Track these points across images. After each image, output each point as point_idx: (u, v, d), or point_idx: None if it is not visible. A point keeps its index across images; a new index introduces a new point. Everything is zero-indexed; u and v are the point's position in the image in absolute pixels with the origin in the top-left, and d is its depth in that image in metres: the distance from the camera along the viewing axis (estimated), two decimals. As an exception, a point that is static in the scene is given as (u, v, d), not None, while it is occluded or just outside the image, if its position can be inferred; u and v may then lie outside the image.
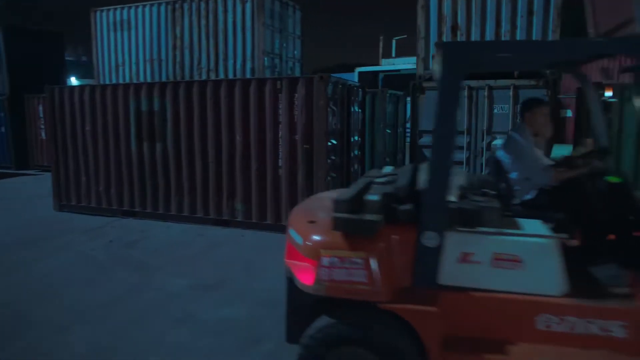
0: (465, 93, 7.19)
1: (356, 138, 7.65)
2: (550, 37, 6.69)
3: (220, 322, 4.01)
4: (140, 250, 6.06)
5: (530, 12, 6.75)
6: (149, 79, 10.93)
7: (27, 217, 7.84)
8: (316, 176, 6.43)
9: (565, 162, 3.41)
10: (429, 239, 2.37)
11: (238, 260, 5.58)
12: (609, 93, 6.23)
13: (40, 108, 12.60)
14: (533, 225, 2.51)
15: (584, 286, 2.41)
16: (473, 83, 7.14)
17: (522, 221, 2.55)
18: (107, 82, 11.42)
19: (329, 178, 6.50)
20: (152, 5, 10.89)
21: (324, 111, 6.31)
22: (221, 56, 10.41)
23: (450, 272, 2.40)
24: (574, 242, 2.95)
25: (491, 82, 7.02)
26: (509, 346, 2.38)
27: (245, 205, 6.87)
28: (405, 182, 2.63)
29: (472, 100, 7.20)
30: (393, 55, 34.12)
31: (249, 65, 10.21)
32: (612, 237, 2.75)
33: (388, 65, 31.03)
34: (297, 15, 11.52)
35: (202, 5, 10.38)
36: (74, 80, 23.07)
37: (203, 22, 10.45)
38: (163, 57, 11.01)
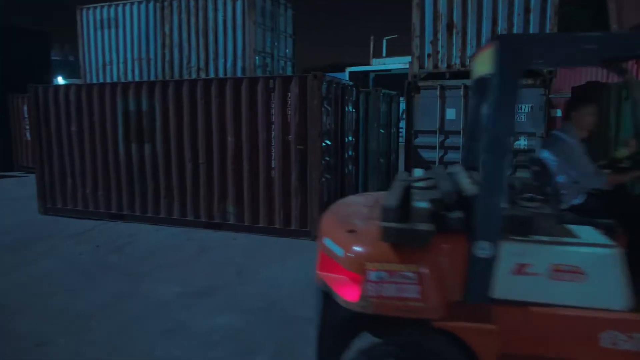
0: (461, 92, 7.07)
1: (350, 138, 7.51)
2: (547, 36, 6.59)
3: (213, 331, 3.83)
4: (128, 255, 5.85)
5: (527, 10, 6.64)
6: (137, 78, 10.69)
7: (10, 221, 7.56)
8: (310, 178, 6.26)
9: (609, 165, 3.26)
10: (482, 249, 2.17)
11: (230, 265, 5.40)
12: None
13: (25, 108, 12.28)
14: (588, 233, 2.33)
15: None
16: (469, 82, 7.01)
17: (575, 228, 2.38)
18: (94, 81, 11.15)
19: (323, 179, 6.34)
20: (140, 2, 10.65)
21: (318, 111, 6.14)
22: (211, 55, 10.21)
23: (504, 285, 2.21)
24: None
25: (488, 81, 6.90)
26: None
27: (237, 207, 6.69)
28: (450, 187, 2.44)
29: (468, 100, 7.06)
30: (384, 55, 34.18)
31: (239, 64, 10.02)
32: None
33: (379, 65, 31.06)
34: (289, 13, 11.35)
35: (192, 2, 10.17)
36: (60, 80, 22.73)
37: (193, 20, 10.24)
38: (152, 55, 10.78)
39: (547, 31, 6.59)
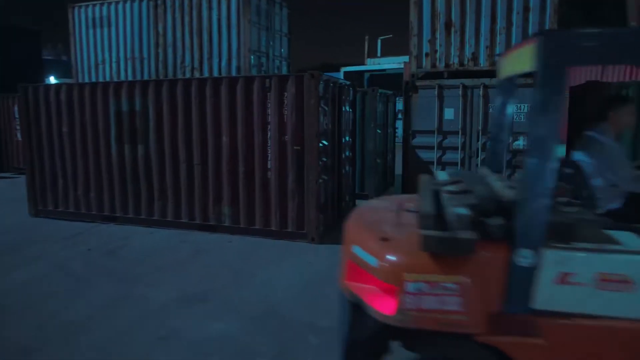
0: (460, 92, 6.98)
1: (347, 139, 7.41)
2: (547, 34, 6.51)
3: (209, 339, 3.70)
4: (121, 258, 5.71)
5: (526, 9, 6.57)
6: (130, 78, 10.52)
7: (-1, 224, 7.41)
8: (307, 179, 6.15)
9: None
10: (524, 257, 2.05)
11: (226, 269, 5.27)
12: None
13: (16, 108, 12.08)
14: (630, 239, 2.20)
15: None
16: (467, 82, 6.94)
17: (616, 234, 2.24)
18: (87, 81, 10.98)
19: (320, 181, 6.22)
20: (132, 1, 10.49)
21: (315, 111, 6.03)
22: (206, 54, 10.07)
23: (546, 295, 2.09)
24: None
25: (486, 81, 6.83)
26: None
27: (232, 209, 6.56)
28: (486, 192, 2.31)
29: (467, 100, 6.99)
30: (378, 54, 34.20)
31: (234, 63, 9.89)
32: None
33: (373, 65, 31.07)
34: (284, 12, 11.22)
35: (186, 1, 10.02)
36: (53, 80, 22.46)
37: (187, 18, 10.10)
38: (145, 55, 10.62)
39: (547, 30, 6.51)
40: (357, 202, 8.20)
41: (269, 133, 6.29)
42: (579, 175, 3.05)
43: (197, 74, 10.01)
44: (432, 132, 7.21)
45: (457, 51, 7.00)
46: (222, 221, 6.63)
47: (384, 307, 2.14)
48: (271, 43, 10.75)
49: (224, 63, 9.94)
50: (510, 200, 2.13)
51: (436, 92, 7.12)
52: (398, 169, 10.27)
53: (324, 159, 6.40)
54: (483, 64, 6.89)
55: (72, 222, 7.30)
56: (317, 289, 4.69)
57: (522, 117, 6.68)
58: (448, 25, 7.01)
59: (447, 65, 7.10)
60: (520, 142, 6.72)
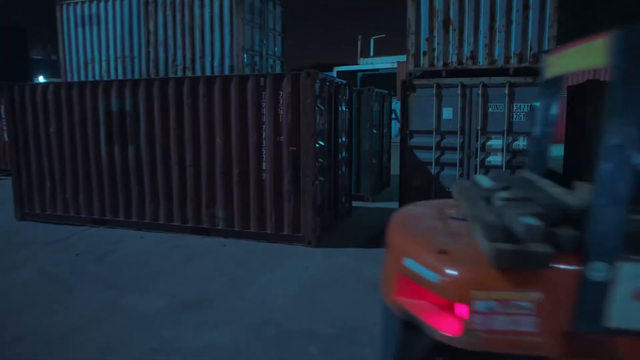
0: (458, 91, 6.84)
1: (343, 139, 7.25)
2: (547, 33, 6.39)
3: (203, 350, 3.53)
4: (111, 264, 5.50)
5: (526, 6, 6.42)
6: (120, 77, 10.27)
7: (-16, 228, 7.16)
8: (303, 180, 5.98)
9: None
10: (598, 271, 1.89)
11: (220, 274, 5.09)
12: None
13: (2, 108, 11.78)
14: None
15: None
16: (466, 81, 6.80)
17: None
18: (76, 80, 10.71)
19: (317, 182, 6.05)
20: (123, -2, 10.23)
21: (312, 110, 5.86)
22: (198, 53, 9.83)
23: (623, 312, 1.91)
24: None
25: (485, 80, 6.69)
26: None
27: (226, 212, 6.37)
28: (549, 199, 2.13)
29: (466, 99, 6.84)
30: (371, 54, 34.15)
31: (227, 62, 9.66)
32: None
33: (366, 64, 31.03)
34: (278, 10, 11.02)
35: (177, -2, 9.79)
36: (42, 80, 22.12)
37: (178, 16, 9.85)
38: (135, 53, 10.35)
39: (547, 28, 6.39)
40: (353, 203, 8.05)
41: (264, 133, 6.12)
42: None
43: (189, 73, 9.77)
44: (430, 132, 7.06)
45: (455, 49, 6.85)
46: (216, 224, 6.44)
47: (445, 326, 1.96)
48: (265, 42, 10.54)
49: (216, 62, 9.71)
50: (581, 208, 1.95)
51: (434, 92, 6.96)
52: (394, 170, 10.15)
53: (321, 160, 6.23)
54: (482, 62, 6.74)
55: (60, 226, 7.08)
56: (315, 295, 4.53)
57: (522, 116, 6.55)
58: (446, 23, 6.85)
59: (445, 64, 6.94)
60: (521, 143, 6.59)
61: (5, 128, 11.75)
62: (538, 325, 1.88)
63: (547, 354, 1.91)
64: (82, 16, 10.80)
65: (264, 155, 6.14)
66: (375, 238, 6.56)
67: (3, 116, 11.80)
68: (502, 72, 6.65)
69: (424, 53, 7.05)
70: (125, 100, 6.73)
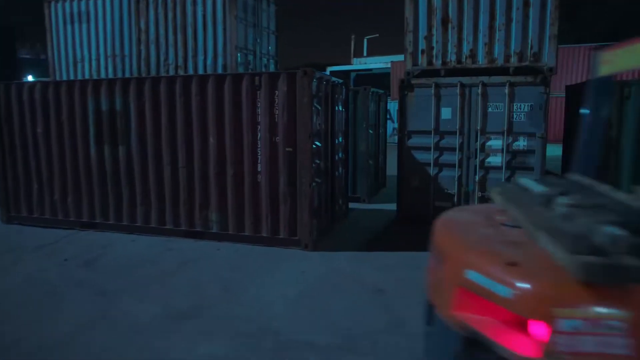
0: (457, 91, 6.71)
1: (340, 140, 7.09)
2: (548, 31, 6.28)
3: (197, 362, 3.35)
4: (101, 270, 5.29)
5: (526, 4, 6.31)
6: (111, 76, 10.05)
7: (-31, 231, 6.92)
8: (300, 182, 5.81)
9: None
10: None
11: (215, 280, 4.91)
12: None
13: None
14: None
15: None
16: (465, 80, 6.68)
17: None
18: (65, 79, 10.46)
19: (313, 184, 5.89)
20: (113, -5, 10.00)
21: (308, 110, 5.70)
22: (190, 52, 9.63)
23: None
24: None
25: (485, 79, 6.57)
26: None
27: (220, 215, 6.19)
28: (623, 206, 1.96)
29: (465, 99, 6.72)
30: (365, 54, 34.08)
31: (220, 61, 9.47)
32: None
33: (360, 64, 30.96)
34: (272, 9, 10.85)
35: (169, -4, 9.58)
36: (30, 79, 21.77)
37: (170, 14, 9.65)
38: (126, 52, 10.13)
39: (548, 26, 6.27)
40: (349, 205, 7.90)
41: (259, 134, 5.94)
42: None
43: (181, 72, 9.57)
44: (429, 132, 6.93)
45: (454, 48, 6.73)
46: (210, 227, 6.26)
47: (520, 346, 1.78)
48: (258, 40, 10.37)
49: (209, 61, 9.52)
50: None
51: (433, 91, 6.84)
52: (389, 170, 10.02)
53: (317, 161, 6.07)
54: (482, 61, 6.62)
55: (48, 229, 6.86)
56: (314, 301, 4.38)
57: (523, 116, 6.44)
58: (445, 21, 6.73)
59: (444, 62, 6.82)
60: (521, 143, 6.47)
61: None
62: (630, 347, 1.69)
63: None
64: (71, 13, 10.56)
65: (259, 157, 5.97)
66: (373, 241, 6.42)
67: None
68: (502, 71, 6.54)
69: (422, 52, 6.92)
70: (116, 99, 6.53)
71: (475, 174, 6.79)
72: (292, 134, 5.80)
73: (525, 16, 6.36)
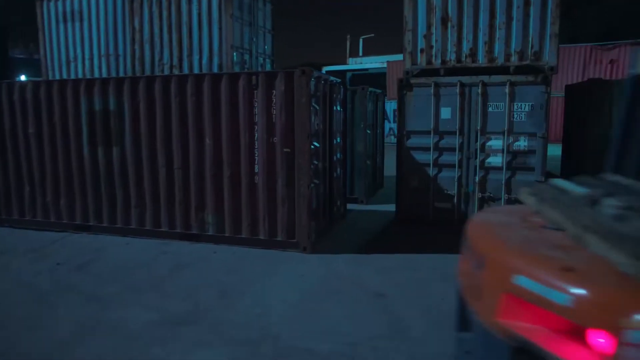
0: (457, 90, 6.63)
1: (338, 140, 6.99)
2: (548, 30, 6.21)
3: (194, 371, 3.23)
4: (94, 274, 5.16)
5: (527, 2, 6.24)
6: (104, 76, 9.90)
7: (-41, 235, 6.75)
8: (298, 183, 5.71)
9: None
10: None
11: (211, 284, 4.79)
12: None
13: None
14: None
15: None
16: (465, 79, 6.59)
17: None
18: (57, 79, 10.30)
19: (312, 185, 5.78)
20: (106, -7, 9.86)
21: (306, 110, 5.59)
22: (185, 51, 9.51)
23: None
24: None
25: (485, 78, 6.49)
26: None
27: (216, 217, 6.07)
28: None
29: (465, 98, 6.64)
30: (360, 54, 34.01)
31: (216, 60, 9.35)
32: None
33: (355, 64, 30.88)
34: (268, 7, 10.73)
35: (164, -6, 9.45)
36: (23, 79, 21.52)
37: (165, 13, 9.51)
38: (120, 51, 9.99)
39: (548, 25, 6.19)
40: (347, 206, 7.81)
41: (256, 134, 5.83)
42: None
43: (176, 72, 9.44)
44: (428, 132, 6.84)
45: (454, 47, 6.65)
46: (206, 230, 6.14)
47: (579, 357, 1.68)
48: (254, 39, 10.24)
49: (204, 60, 9.40)
50: None
51: (432, 91, 6.76)
52: (387, 171, 9.93)
53: (316, 162, 5.97)
54: (482, 60, 6.54)
55: (40, 232, 6.71)
56: (313, 306, 4.27)
57: (523, 116, 6.36)
58: (444, 20, 6.64)
59: (443, 61, 6.73)
60: (522, 143, 6.40)
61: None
62: None
63: None
64: (64, 12, 10.40)
65: (257, 157, 5.85)
66: (371, 242, 6.32)
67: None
68: (503, 70, 6.47)
69: (422, 51, 6.83)
70: (109, 99, 6.40)
71: (475, 174, 6.71)
72: (290, 134, 5.69)
73: (526, 14, 6.29)
